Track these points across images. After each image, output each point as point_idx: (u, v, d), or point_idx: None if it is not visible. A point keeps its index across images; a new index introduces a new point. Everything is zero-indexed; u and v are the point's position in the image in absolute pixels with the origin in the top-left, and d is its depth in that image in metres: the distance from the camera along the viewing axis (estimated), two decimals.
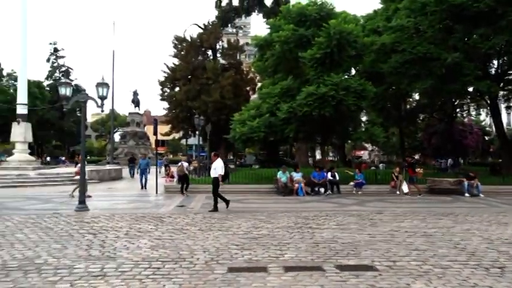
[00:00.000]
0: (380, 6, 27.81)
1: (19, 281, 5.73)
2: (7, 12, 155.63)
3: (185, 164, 18.76)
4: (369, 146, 59.76)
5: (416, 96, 35.48)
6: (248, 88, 42.65)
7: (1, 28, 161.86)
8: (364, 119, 29.61)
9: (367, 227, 9.92)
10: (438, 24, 21.26)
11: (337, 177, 18.89)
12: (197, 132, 31.91)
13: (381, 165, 43.21)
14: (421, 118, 38.34)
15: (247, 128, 20.72)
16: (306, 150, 34.53)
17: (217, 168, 12.74)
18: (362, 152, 73.01)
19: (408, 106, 36.58)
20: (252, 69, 37.46)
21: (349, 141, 32.24)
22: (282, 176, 18.27)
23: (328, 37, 19.37)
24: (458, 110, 36.93)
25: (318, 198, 16.93)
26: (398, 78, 22.51)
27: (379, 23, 24.71)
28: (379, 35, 23.32)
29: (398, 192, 18.30)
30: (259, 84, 40.17)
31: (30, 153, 30.65)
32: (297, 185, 17.91)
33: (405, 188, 18.39)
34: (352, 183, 19.09)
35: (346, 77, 20.49)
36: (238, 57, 44.34)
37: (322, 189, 18.32)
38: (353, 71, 25.33)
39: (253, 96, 43.60)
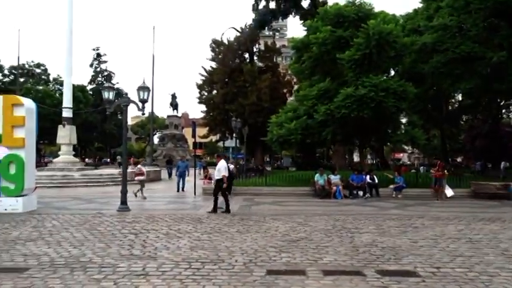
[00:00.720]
0: (420, 5, 27.09)
1: (66, 278, 5.95)
2: (54, 22, 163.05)
3: (231, 166, 18.94)
4: (408, 148, 58.25)
5: (459, 97, 34.28)
6: (285, 90, 42.57)
7: (48, 36, 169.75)
8: (404, 120, 28.90)
9: (408, 232, 9.66)
10: (482, 22, 20.47)
11: (376, 180, 18.56)
12: (234, 135, 32.19)
13: (421, 168, 42.01)
14: (463, 119, 37.01)
15: (284, 130, 20.69)
16: (344, 152, 34.08)
17: (221, 169, 12.58)
18: (401, 154, 71.31)
19: (450, 107, 35.40)
20: (289, 72, 37.32)
21: (388, 144, 31.57)
22: (319, 179, 18.16)
23: (367, 38, 19.06)
24: (504, 110, 35.39)
25: (356, 201, 16.72)
26: (440, 79, 21.84)
27: (419, 22, 24.08)
28: (420, 35, 22.72)
29: (437, 200, 17.40)
30: (296, 87, 40.03)
31: (75, 155, 31.88)
32: (334, 188, 17.75)
33: (449, 191, 17.76)
34: (391, 186, 18.68)
35: (385, 78, 20.05)
36: (275, 60, 44.35)
37: (360, 193, 18.07)
38: (392, 72, 24.81)
39: (290, 99, 43.41)
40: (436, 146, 44.15)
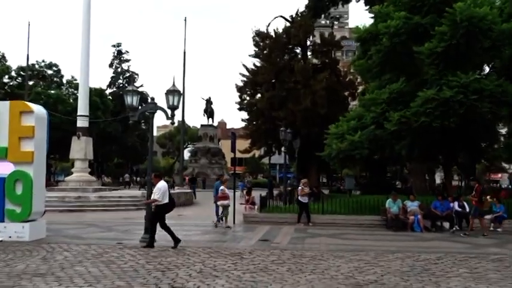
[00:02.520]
0: None
1: None
2: (68, 14, 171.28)
3: (306, 189, 18.94)
4: (510, 166, 55.89)
5: None
6: (347, 93, 42.25)
7: (61, 31, 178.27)
8: (503, 131, 27.80)
9: None
10: None
11: (467, 208, 17.90)
12: (283, 149, 32.12)
13: None
14: None
15: (346, 143, 20.49)
16: (423, 172, 33.07)
17: (160, 192, 12.32)
18: (499, 175, 68.60)
19: None
20: (352, 70, 36.99)
21: (483, 161, 30.38)
22: (391, 206, 17.88)
23: (454, 25, 18.63)
24: None
25: (441, 235, 16.36)
26: None
27: None
28: None
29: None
30: (360, 88, 39.55)
31: (90, 173, 33.01)
32: (412, 218, 17.46)
33: None
34: (488, 216, 17.97)
35: (477, 76, 19.45)
36: (333, 55, 44.20)
37: (446, 224, 17.72)
38: (487, 69, 24.02)
39: (354, 104, 42.89)
40: None
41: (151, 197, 12.60)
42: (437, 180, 50.92)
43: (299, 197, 19.09)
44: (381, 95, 20.88)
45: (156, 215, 12.58)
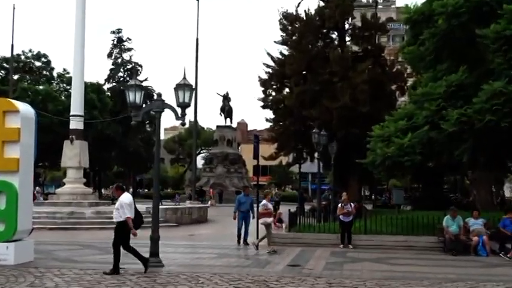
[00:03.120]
0: None
1: None
2: None
3: (347, 208, 18.94)
4: None
5: None
6: (394, 87, 41.94)
7: (52, 16, 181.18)
8: None
9: None
10: None
11: None
12: (316, 155, 32.06)
13: None
14: None
15: (393, 147, 20.32)
16: (489, 183, 32.71)
17: (124, 207, 12.23)
18: None
19: None
20: (400, 58, 36.62)
21: None
22: (450, 224, 17.71)
23: None
24: None
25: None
26: None
27: None
28: None
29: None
30: (411, 81, 39.18)
31: (86, 184, 33.42)
32: (476, 239, 17.26)
33: None
34: None
35: None
36: (377, 41, 43.91)
37: None
38: None
39: (402, 100, 42.48)
40: None
41: (122, 215, 12.27)
42: (507, 193, 50.16)
43: (340, 216, 19.05)
44: (436, 88, 20.64)
45: (118, 235, 12.45)
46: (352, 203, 19.96)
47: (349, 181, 40.12)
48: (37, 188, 57.39)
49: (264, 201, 18.28)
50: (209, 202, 51.00)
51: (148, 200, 43.22)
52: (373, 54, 41.58)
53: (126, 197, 12.48)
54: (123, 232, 12.38)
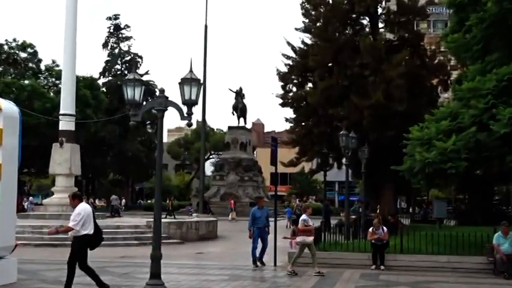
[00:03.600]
0: None
1: None
2: None
3: (378, 233, 18.87)
4: None
5: None
6: (435, 81, 41.79)
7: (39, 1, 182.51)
8: None
9: None
10: None
11: None
12: (344, 161, 31.95)
13: None
14: None
15: (435, 152, 20.19)
16: None
17: (80, 218, 12.06)
18: None
19: None
20: (443, 48, 36.44)
21: None
22: (502, 242, 17.56)
23: None
24: None
25: None
26: None
27: None
28: None
29: None
30: (455, 74, 38.95)
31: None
32: None
33: None
34: None
35: None
36: (416, 28, 43.76)
37: None
38: None
39: (445, 96, 42.24)
40: None
41: (81, 230, 12.16)
42: None
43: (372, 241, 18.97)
44: (485, 83, 20.50)
45: (74, 252, 12.35)
46: (384, 227, 19.75)
47: (382, 191, 40.03)
48: (30, 198, 57.74)
49: (304, 216, 17.90)
50: (229, 216, 50.85)
51: (149, 212, 43.35)
52: (410, 44, 41.45)
53: (83, 208, 12.39)
54: (79, 248, 12.28)
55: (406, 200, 69.01)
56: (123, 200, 64.18)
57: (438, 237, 20.71)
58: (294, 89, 44.42)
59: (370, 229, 19.67)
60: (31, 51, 68.01)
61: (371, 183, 38.77)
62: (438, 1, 44.05)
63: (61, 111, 32.15)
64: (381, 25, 43.03)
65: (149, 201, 77.57)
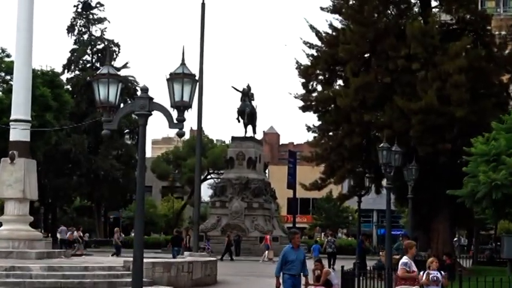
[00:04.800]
0: None
1: None
2: None
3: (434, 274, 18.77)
4: None
5: None
6: (505, 78, 41.73)
7: None
8: None
9: None
10: None
11: None
12: (384, 183, 31.87)
13: None
14: None
15: (504, 172, 20.22)
16: None
17: None
18: None
19: None
20: None
21: None
22: None
23: None
24: None
25: None
26: None
27: None
28: None
29: None
30: None
31: (33, 224, 33.55)
32: None
33: None
34: None
35: None
36: (480, 7, 43.75)
37: None
38: None
39: None
40: None
41: None
42: None
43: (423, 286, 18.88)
44: None
45: None
46: (442, 272, 19.53)
47: (435, 223, 39.93)
48: None
49: (405, 259, 17.39)
50: (264, 255, 49.70)
51: (129, 250, 43.31)
52: (473, 28, 41.47)
53: None
54: None
55: (466, 234, 68.88)
56: (77, 233, 61.74)
57: (510, 284, 20.69)
58: (319, 88, 44.34)
59: (422, 273, 19.45)
60: None
61: (420, 213, 38.72)
62: None
63: (12, 116, 32.14)
64: (434, 3, 43.12)
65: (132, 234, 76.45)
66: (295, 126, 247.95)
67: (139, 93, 14.90)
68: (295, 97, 44.32)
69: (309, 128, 45.21)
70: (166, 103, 14.10)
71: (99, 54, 75.61)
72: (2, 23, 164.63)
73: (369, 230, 76.64)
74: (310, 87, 44.26)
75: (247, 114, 68.46)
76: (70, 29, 77.70)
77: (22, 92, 31.97)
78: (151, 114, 14.12)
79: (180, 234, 44.01)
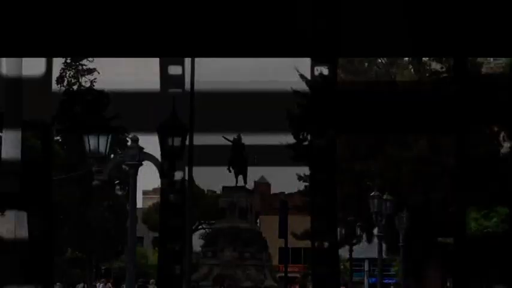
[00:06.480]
0: None
1: None
2: None
3: None
4: None
5: None
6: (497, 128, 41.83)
7: None
8: None
9: None
10: None
11: None
12: (376, 232, 31.86)
13: None
14: None
15: (495, 219, 20.21)
16: None
17: None
18: None
19: None
20: None
21: None
22: None
23: None
24: None
25: None
26: None
27: None
28: None
29: None
30: None
31: None
32: None
33: None
34: None
35: None
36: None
37: None
38: None
39: (508, 146, 42.33)
40: None
41: None
42: None
43: None
44: None
45: None
46: None
47: (427, 272, 39.76)
48: None
49: None
50: None
51: None
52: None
53: None
54: None
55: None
56: None
57: None
58: (311, 137, 44.38)
59: None
60: None
61: (412, 261, 38.58)
62: None
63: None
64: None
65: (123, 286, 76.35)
66: (287, 175, 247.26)
67: (129, 143, 14.92)
68: (287, 146, 44.44)
69: (300, 178, 45.24)
70: (156, 152, 14.07)
71: (89, 106, 75.46)
72: None
73: (360, 278, 76.07)
74: (301, 137, 44.30)
75: (238, 164, 68.35)
76: (59, 80, 77.61)
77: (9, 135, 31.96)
78: (142, 165, 14.08)
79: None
